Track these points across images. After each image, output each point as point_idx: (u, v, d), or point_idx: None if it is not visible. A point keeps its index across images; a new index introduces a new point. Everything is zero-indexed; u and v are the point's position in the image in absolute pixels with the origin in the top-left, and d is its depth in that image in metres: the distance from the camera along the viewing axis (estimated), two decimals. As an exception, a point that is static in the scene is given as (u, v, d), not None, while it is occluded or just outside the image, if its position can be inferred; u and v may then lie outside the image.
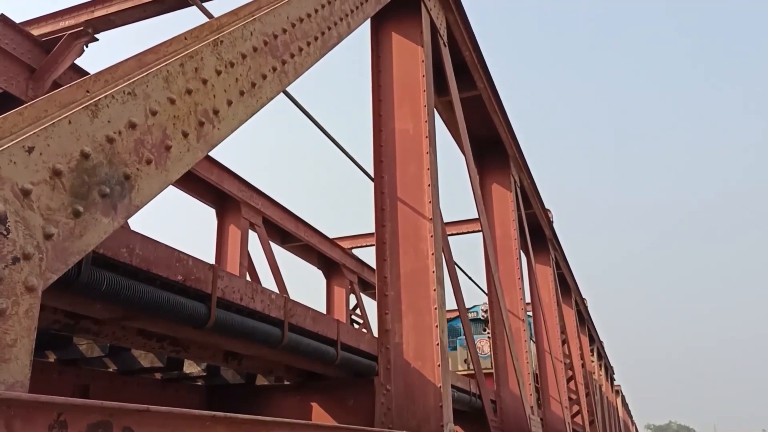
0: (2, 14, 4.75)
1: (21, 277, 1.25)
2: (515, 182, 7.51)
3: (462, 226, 12.38)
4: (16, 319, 1.22)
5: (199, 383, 4.95)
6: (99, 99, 1.56)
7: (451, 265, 4.76)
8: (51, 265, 1.34)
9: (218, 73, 2.00)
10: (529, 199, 8.87)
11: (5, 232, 1.24)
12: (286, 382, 4.95)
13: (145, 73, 1.74)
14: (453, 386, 6.49)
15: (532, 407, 6.06)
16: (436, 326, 3.61)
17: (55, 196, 1.38)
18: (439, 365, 3.53)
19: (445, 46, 4.92)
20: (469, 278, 11.84)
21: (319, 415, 4.57)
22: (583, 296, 16.96)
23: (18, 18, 5.09)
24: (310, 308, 3.91)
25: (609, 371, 25.82)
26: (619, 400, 31.64)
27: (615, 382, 30.22)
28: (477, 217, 5.83)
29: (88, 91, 1.62)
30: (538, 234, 10.01)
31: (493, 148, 7.24)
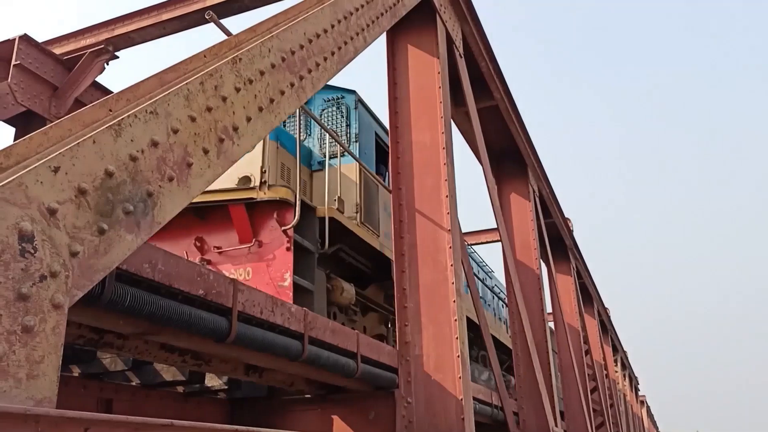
0: (25, 34, 4.87)
1: (48, 294, 1.28)
2: (534, 191, 7.47)
3: (481, 236, 12.34)
4: (43, 336, 1.25)
5: (221, 396, 4.97)
6: (122, 118, 1.59)
7: (471, 276, 4.74)
8: (77, 282, 1.37)
9: (237, 90, 2.03)
10: (548, 208, 8.81)
11: (32, 251, 1.26)
12: (307, 395, 4.95)
13: (167, 92, 1.77)
14: (475, 398, 6.44)
15: (555, 419, 5.98)
16: (456, 338, 3.59)
17: (80, 214, 1.41)
18: (460, 377, 3.51)
19: (461, 57, 4.93)
20: (490, 289, 11.77)
21: (340, 428, 4.56)
22: (606, 306, 16.76)
23: (41, 38, 5.21)
24: (329, 321, 3.92)
25: (633, 381, 25.41)
26: (644, 410, 31.10)
27: (640, 393, 29.72)
28: (496, 226, 5.80)
29: (110, 110, 1.66)
30: (559, 243, 9.93)
31: (510, 158, 7.22)
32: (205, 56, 2.03)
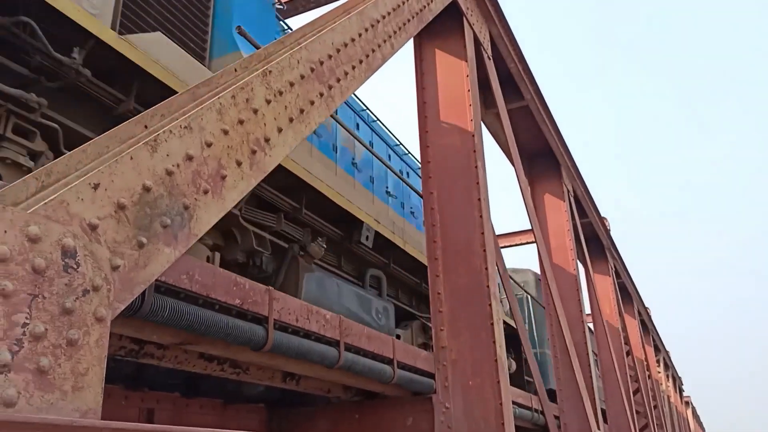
0: None
1: (91, 308, 1.31)
2: (568, 191, 7.36)
3: (515, 237, 12.22)
4: (87, 349, 1.28)
5: (260, 404, 5.02)
6: (158, 134, 1.63)
7: (506, 278, 4.69)
8: (118, 296, 1.40)
9: (268, 102, 2.06)
10: (583, 207, 8.68)
11: (75, 266, 1.30)
12: (344, 401, 4.97)
13: (200, 107, 1.81)
14: (514, 402, 6.37)
15: (597, 422, 5.87)
16: (494, 342, 3.56)
17: (120, 229, 1.44)
18: (498, 382, 3.47)
19: (489, 59, 4.91)
20: (526, 292, 11.64)
21: (379, 434, 4.56)
22: (646, 305, 16.40)
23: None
24: (365, 327, 3.93)
25: (677, 382, 24.77)
26: (689, 411, 30.28)
27: (684, 394, 28.96)
28: (530, 228, 5.74)
29: (146, 126, 1.70)
30: (596, 243, 9.77)
31: (543, 158, 7.13)
32: (235, 70, 2.06)
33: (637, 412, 9.91)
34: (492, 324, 3.58)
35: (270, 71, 2.10)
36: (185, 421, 4.11)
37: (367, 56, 2.76)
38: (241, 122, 1.92)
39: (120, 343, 2.68)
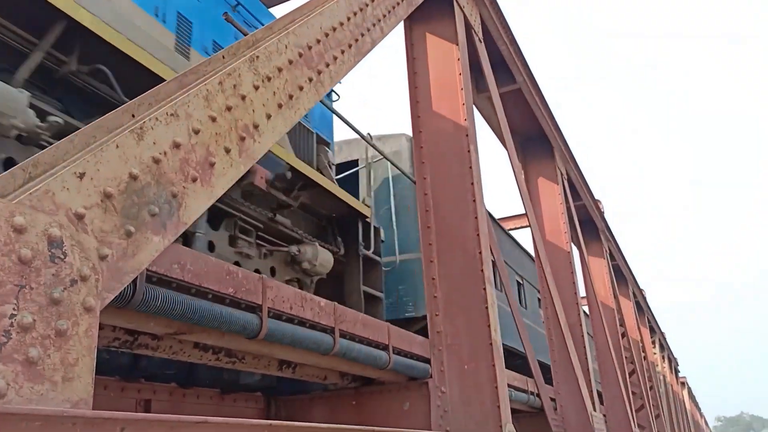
0: None
1: (79, 298, 1.30)
2: (561, 174, 7.37)
3: (509, 222, 12.25)
4: (76, 339, 1.27)
5: (257, 393, 5.04)
6: (143, 122, 1.61)
7: (500, 262, 4.70)
8: (107, 285, 1.39)
9: (256, 88, 2.03)
10: (577, 190, 8.69)
11: (62, 256, 1.29)
12: (341, 388, 4.99)
13: (186, 93, 1.79)
14: (510, 385, 6.40)
15: (593, 403, 5.92)
16: (488, 326, 3.57)
17: (107, 218, 1.43)
18: (493, 365, 3.49)
19: (480, 42, 4.88)
20: (518, 273, 11.67)
21: (376, 419, 4.58)
22: (641, 287, 16.50)
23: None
24: (360, 314, 3.94)
25: (672, 363, 25.00)
26: (685, 392, 30.60)
27: (680, 374, 29.24)
28: (524, 212, 5.74)
29: (133, 115, 1.68)
30: (590, 226, 9.79)
31: (536, 141, 7.12)
32: (223, 56, 2.04)
33: (633, 393, 10.00)
34: (486, 308, 3.59)
35: (257, 57, 2.07)
36: (182, 410, 4.12)
37: (357, 40, 2.74)
38: (228, 109, 1.90)
39: (114, 335, 2.68)
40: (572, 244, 7.27)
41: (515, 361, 7.56)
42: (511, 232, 11.41)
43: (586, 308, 9.31)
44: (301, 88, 2.28)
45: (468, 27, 4.57)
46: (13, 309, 1.17)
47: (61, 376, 1.22)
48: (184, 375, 4.19)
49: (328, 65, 2.48)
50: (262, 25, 4.66)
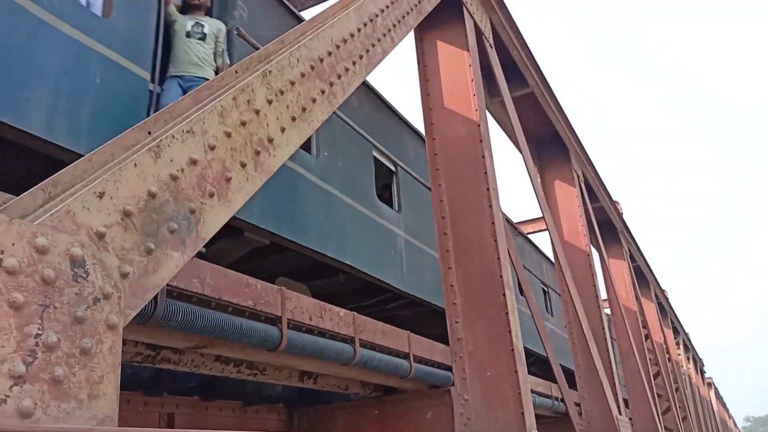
0: None
1: (102, 316, 1.31)
2: (578, 177, 7.32)
3: (526, 225, 12.16)
4: (101, 357, 1.29)
5: (279, 404, 5.04)
6: (160, 139, 1.63)
7: (519, 267, 4.67)
8: (129, 302, 1.40)
9: (269, 102, 2.05)
10: (594, 192, 8.62)
11: (84, 275, 1.30)
12: (363, 398, 4.98)
13: (201, 110, 1.81)
14: (533, 391, 6.35)
15: (618, 407, 5.84)
16: (509, 331, 3.54)
17: (127, 236, 1.45)
18: (516, 371, 3.46)
19: (491, 47, 4.87)
20: (541, 281, 11.57)
21: (399, 428, 4.57)
22: (663, 288, 16.28)
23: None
24: (379, 323, 3.93)
25: (698, 364, 24.59)
26: (712, 393, 30.07)
27: (706, 375, 28.75)
28: (541, 215, 5.71)
29: (149, 132, 1.70)
30: (609, 227, 9.70)
31: (551, 145, 7.09)
32: (236, 71, 2.06)
33: (659, 395, 9.85)
34: (507, 314, 3.56)
35: (270, 71, 2.09)
36: (206, 423, 4.13)
37: (368, 51, 2.75)
38: (243, 124, 1.92)
39: (136, 350, 2.70)
40: (591, 247, 7.21)
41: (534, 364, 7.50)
42: (530, 236, 11.32)
43: (607, 310, 9.21)
44: (314, 101, 2.29)
45: (479, 33, 4.57)
46: (38, 329, 1.18)
47: (86, 394, 1.23)
48: (206, 388, 4.21)
49: (340, 77, 2.49)
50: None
